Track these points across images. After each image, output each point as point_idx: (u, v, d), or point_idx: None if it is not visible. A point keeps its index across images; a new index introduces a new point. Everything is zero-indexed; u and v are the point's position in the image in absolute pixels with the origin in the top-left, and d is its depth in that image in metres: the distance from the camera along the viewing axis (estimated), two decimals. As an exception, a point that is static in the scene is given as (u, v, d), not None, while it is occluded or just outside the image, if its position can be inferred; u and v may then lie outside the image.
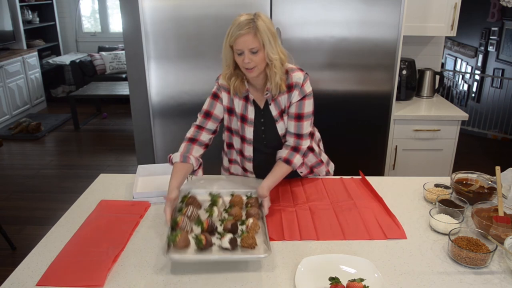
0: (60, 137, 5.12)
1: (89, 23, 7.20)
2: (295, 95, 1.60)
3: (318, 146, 1.87)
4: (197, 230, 1.34)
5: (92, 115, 5.90)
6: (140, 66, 2.62)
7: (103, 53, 6.55)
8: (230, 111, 1.70)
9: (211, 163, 1.84)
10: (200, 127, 1.68)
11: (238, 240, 1.28)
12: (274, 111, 1.65)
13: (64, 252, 1.30)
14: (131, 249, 1.33)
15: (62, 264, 1.25)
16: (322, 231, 1.43)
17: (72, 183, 3.88)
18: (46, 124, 5.38)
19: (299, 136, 1.65)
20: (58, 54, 6.94)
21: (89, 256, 1.28)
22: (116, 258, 1.27)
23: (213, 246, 1.28)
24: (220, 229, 1.35)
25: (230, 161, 1.85)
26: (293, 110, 1.63)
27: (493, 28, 5.00)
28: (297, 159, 1.63)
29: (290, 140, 1.66)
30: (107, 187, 1.76)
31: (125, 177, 1.86)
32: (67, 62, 6.55)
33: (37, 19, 6.53)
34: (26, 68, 5.81)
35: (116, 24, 7.09)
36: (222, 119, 1.72)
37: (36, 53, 6.05)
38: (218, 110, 1.69)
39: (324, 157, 1.89)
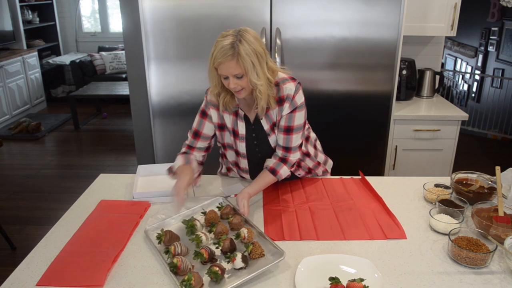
0: (60, 137, 5.12)
1: (89, 23, 7.20)
2: (286, 108, 1.55)
3: (315, 147, 1.84)
4: (196, 262, 1.26)
5: (92, 115, 5.90)
6: (140, 66, 2.62)
7: (103, 53, 6.55)
8: (222, 127, 1.67)
9: (209, 163, 1.83)
10: (190, 147, 1.68)
11: (246, 254, 1.25)
12: (265, 125, 1.61)
13: (64, 252, 1.30)
14: (131, 249, 1.33)
15: (62, 264, 1.25)
16: (322, 231, 1.43)
17: (72, 183, 3.87)
18: (46, 124, 5.37)
19: (287, 149, 1.61)
20: (58, 54, 6.94)
21: (89, 256, 1.28)
22: (116, 258, 1.28)
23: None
24: (217, 252, 1.29)
25: (228, 169, 1.85)
26: (282, 123, 1.58)
27: (493, 28, 5.00)
28: (283, 171, 1.61)
29: (279, 152, 1.63)
30: (107, 187, 1.76)
31: (125, 177, 1.86)
32: (67, 62, 6.55)
33: (37, 19, 6.53)
34: (26, 68, 5.81)
35: (116, 24, 7.09)
36: (214, 135, 1.70)
37: (36, 53, 6.05)
38: (207, 129, 1.66)
39: (321, 157, 1.87)
